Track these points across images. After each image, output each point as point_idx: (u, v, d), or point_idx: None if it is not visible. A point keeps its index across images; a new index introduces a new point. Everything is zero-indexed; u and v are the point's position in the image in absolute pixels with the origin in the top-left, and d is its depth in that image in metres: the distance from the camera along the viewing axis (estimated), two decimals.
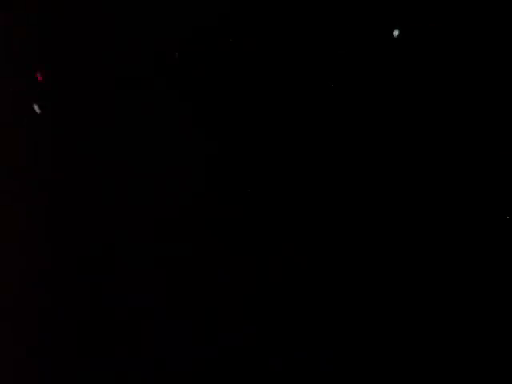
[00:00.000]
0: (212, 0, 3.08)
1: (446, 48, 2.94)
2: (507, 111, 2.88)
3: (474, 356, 2.84)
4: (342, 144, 3.01)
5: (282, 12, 3.03)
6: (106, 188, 3.13)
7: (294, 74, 3.04)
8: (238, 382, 3.00)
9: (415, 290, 2.91)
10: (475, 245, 2.87)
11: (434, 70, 2.94)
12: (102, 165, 3.14)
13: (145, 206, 3.11)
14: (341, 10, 3.00)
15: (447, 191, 2.91)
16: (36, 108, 2.45)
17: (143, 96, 3.12)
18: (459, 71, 2.93)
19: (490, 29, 2.90)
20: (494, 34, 2.90)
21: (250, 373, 2.99)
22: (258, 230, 3.04)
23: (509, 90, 2.88)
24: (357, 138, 3.00)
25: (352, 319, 2.96)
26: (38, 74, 2.47)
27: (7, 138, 3.14)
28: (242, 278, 3.03)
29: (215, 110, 3.10)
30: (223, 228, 3.06)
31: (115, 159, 3.13)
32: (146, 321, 3.07)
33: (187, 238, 3.07)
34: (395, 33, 2.37)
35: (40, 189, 3.16)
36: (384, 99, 2.98)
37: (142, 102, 3.12)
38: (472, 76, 2.92)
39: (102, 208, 3.13)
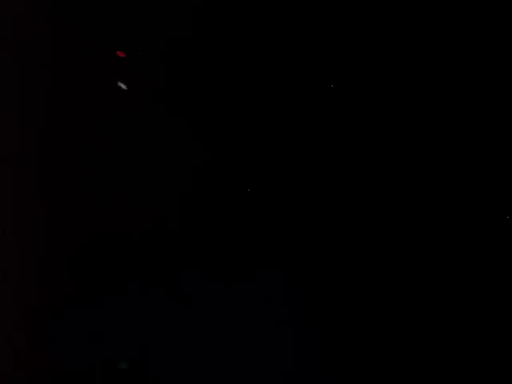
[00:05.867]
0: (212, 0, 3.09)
1: (445, 48, 2.95)
2: (507, 111, 2.89)
3: (474, 355, 2.86)
4: (342, 143, 3.02)
5: (282, 12, 3.04)
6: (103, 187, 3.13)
7: (294, 74, 3.05)
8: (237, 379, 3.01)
9: (415, 288, 2.92)
10: (475, 244, 2.88)
11: (434, 70, 2.96)
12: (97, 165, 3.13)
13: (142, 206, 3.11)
14: (341, 10, 3.01)
15: (447, 191, 2.93)
16: (122, 85, 2.44)
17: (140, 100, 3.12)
18: (459, 71, 2.94)
19: (489, 29, 2.92)
20: (493, 34, 2.92)
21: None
22: (258, 231, 3.04)
23: (509, 90, 2.89)
24: (356, 138, 3.01)
25: (351, 318, 2.97)
26: (119, 52, 2.50)
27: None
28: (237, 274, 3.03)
29: (215, 110, 3.10)
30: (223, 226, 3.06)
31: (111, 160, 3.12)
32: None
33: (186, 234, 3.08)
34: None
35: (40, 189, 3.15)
36: (384, 99, 2.99)
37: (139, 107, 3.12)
38: (472, 76, 2.93)
39: (99, 205, 3.12)
